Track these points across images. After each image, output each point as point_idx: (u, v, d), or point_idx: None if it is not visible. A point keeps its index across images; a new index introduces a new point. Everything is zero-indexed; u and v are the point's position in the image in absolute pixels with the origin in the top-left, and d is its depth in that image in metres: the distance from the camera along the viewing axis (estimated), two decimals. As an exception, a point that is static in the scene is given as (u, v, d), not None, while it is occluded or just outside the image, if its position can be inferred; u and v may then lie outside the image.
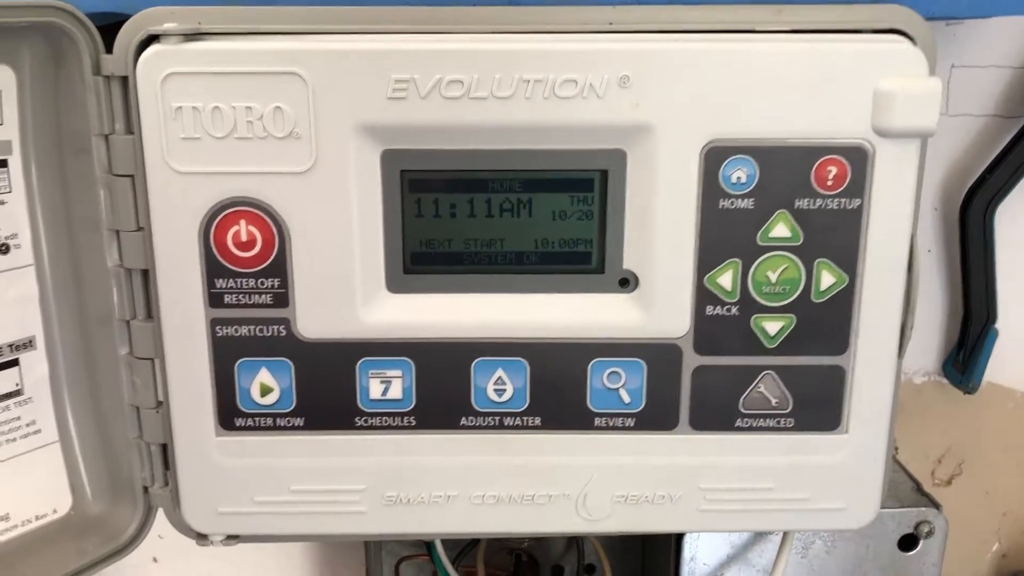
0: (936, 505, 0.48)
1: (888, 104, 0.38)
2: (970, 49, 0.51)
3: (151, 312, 0.41)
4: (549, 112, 0.38)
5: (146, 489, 0.44)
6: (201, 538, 0.43)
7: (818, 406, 0.42)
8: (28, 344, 0.42)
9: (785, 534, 0.48)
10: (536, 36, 0.38)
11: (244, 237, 0.39)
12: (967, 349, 0.53)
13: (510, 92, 0.37)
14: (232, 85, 0.37)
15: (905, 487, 0.50)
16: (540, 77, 0.37)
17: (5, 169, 0.40)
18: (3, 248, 0.41)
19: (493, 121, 0.38)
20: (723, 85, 0.38)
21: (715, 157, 0.38)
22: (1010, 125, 0.51)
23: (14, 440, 0.42)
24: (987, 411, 0.57)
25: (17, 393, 0.42)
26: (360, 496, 0.42)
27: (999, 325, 0.52)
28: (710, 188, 0.39)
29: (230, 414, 0.41)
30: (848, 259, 0.40)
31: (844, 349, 0.41)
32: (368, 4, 0.39)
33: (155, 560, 0.56)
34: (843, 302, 0.40)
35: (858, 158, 0.38)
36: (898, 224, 0.39)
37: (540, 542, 0.56)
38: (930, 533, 0.48)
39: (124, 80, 0.38)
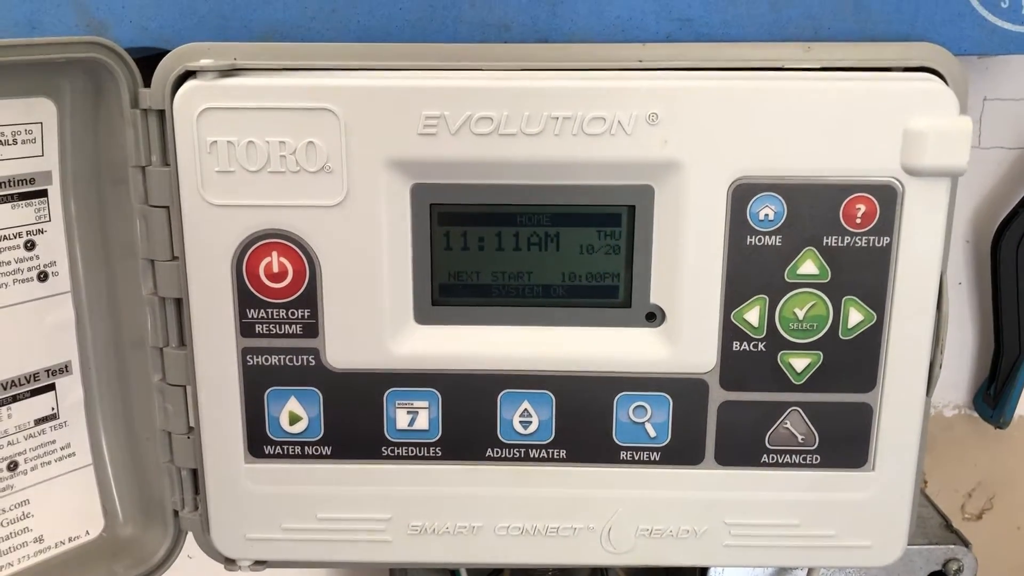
0: (965, 543, 0.48)
1: (918, 143, 0.37)
2: (1003, 82, 0.50)
3: (184, 340, 0.42)
4: (578, 148, 0.38)
5: (176, 513, 0.44)
6: (229, 563, 0.44)
7: (845, 443, 0.41)
8: (64, 369, 0.43)
9: (810, 570, 0.47)
10: (565, 73, 0.38)
11: (276, 268, 0.40)
12: (998, 384, 0.52)
13: (539, 129, 0.38)
14: (266, 120, 0.38)
15: (934, 523, 0.50)
16: (569, 114, 0.38)
17: (45, 199, 0.41)
18: (42, 275, 0.42)
19: (522, 157, 0.38)
20: (751, 122, 0.38)
21: (743, 194, 0.38)
22: (1044, 158, 0.51)
23: (49, 463, 0.43)
24: (1019, 446, 0.56)
25: (53, 417, 0.43)
26: (386, 525, 0.43)
27: (1031, 360, 0.52)
28: (737, 224, 0.39)
29: (259, 442, 0.42)
30: (876, 297, 0.40)
31: (872, 387, 0.41)
32: (400, 41, 0.39)
33: (184, 580, 0.57)
34: (871, 340, 0.40)
35: (887, 196, 0.38)
36: (927, 262, 0.39)
37: (565, 569, 0.56)
38: (959, 571, 0.47)
39: (161, 114, 0.39)
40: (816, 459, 0.42)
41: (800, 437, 0.41)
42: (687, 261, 0.39)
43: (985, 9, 0.39)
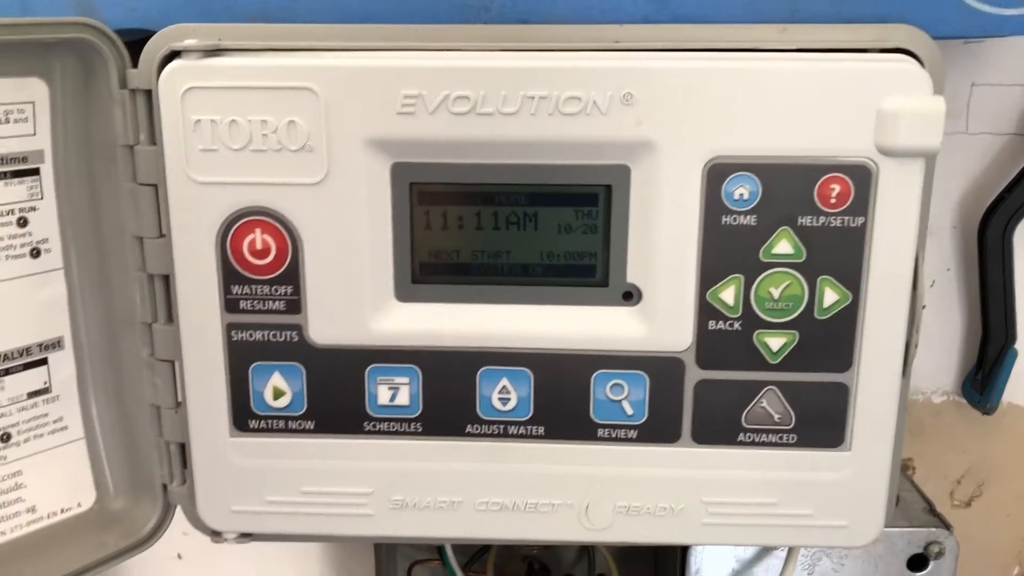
0: (947, 526, 0.48)
1: (891, 123, 0.38)
2: (992, 67, 0.50)
3: (172, 316, 0.42)
4: (554, 128, 0.39)
5: (165, 487, 0.45)
6: (215, 535, 0.45)
7: (821, 423, 0.42)
8: (56, 344, 0.44)
9: (790, 550, 0.48)
10: (541, 53, 0.39)
11: (259, 245, 0.40)
12: (985, 370, 0.52)
13: (515, 108, 0.38)
14: (249, 99, 0.39)
15: (917, 507, 0.50)
16: (544, 94, 0.38)
17: (37, 177, 0.42)
18: (35, 252, 0.43)
19: (499, 136, 0.39)
20: (725, 103, 0.38)
21: (717, 174, 0.39)
22: (1032, 144, 0.51)
23: (41, 436, 0.44)
24: (1009, 433, 0.56)
25: (45, 391, 0.44)
26: (368, 499, 0.43)
27: (1018, 346, 0.52)
28: (712, 204, 0.39)
29: (244, 416, 0.43)
30: (851, 277, 0.40)
31: (847, 366, 0.41)
32: (382, 21, 0.40)
33: (180, 557, 0.58)
34: (846, 319, 0.40)
35: (861, 176, 0.39)
36: (902, 242, 0.39)
37: (552, 550, 0.57)
38: (940, 554, 0.47)
39: (148, 93, 0.40)
40: (792, 438, 0.42)
41: (776, 416, 0.42)
42: (663, 240, 0.40)
43: (963, -9, 0.40)
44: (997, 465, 0.57)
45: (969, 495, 0.58)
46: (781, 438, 0.42)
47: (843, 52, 0.39)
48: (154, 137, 0.40)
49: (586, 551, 0.55)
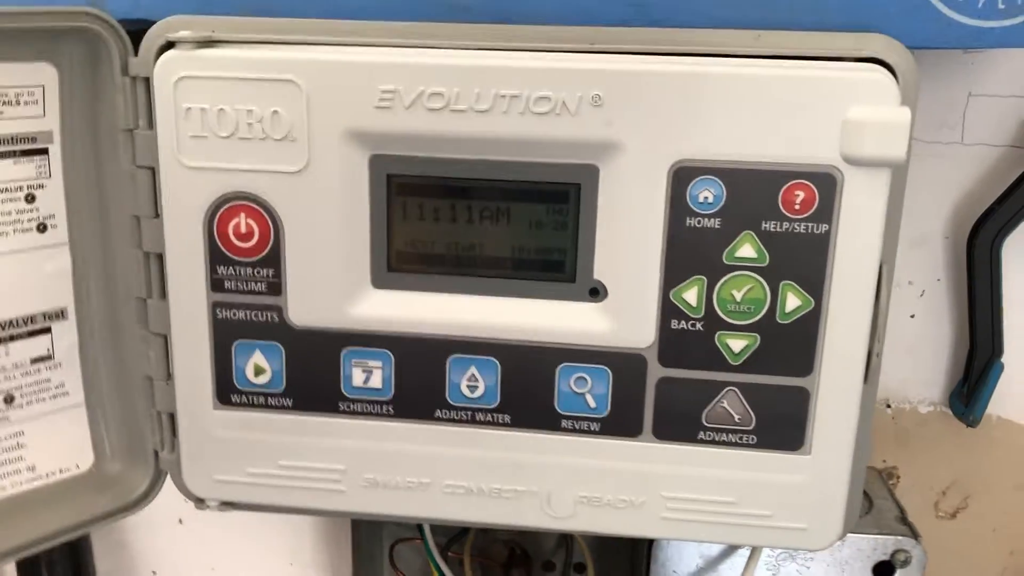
0: (915, 535, 0.48)
1: (856, 132, 0.38)
2: (990, 78, 0.50)
3: (165, 292, 0.45)
4: (525, 127, 0.40)
5: (156, 454, 0.48)
6: (199, 502, 0.47)
7: (781, 425, 0.42)
8: (60, 315, 0.47)
9: (753, 549, 0.48)
10: (514, 53, 0.40)
11: (243, 229, 0.43)
12: (971, 382, 0.52)
13: (488, 106, 0.40)
14: (236, 89, 0.41)
15: (890, 515, 0.50)
16: (516, 93, 0.39)
17: (46, 156, 0.45)
18: (41, 227, 0.45)
19: (473, 133, 0.40)
20: (692, 106, 0.39)
21: (683, 176, 0.40)
22: (1026, 156, 0.51)
23: (43, 400, 0.47)
24: (996, 446, 0.56)
25: (48, 358, 0.47)
26: (341, 476, 0.45)
27: (1005, 359, 0.51)
28: (677, 206, 0.40)
29: (227, 390, 0.45)
30: (814, 283, 0.40)
31: (808, 371, 0.41)
32: (367, 18, 0.42)
33: (180, 521, 0.61)
34: (808, 325, 0.41)
35: (826, 184, 0.39)
36: (866, 251, 0.40)
37: (532, 537, 0.58)
38: (906, 562, 0.47)
39: (147, 81, 0.42)
40: (752, 439, 0.43)
41: (737, 417, 0.42)
42: (628, 240, 0.41)
43: (941, 2, 0.40)
44: (984, 479, 0.57)
45: (955, 507, 0.57)
46: (741, 438, 0.43)
47: (818, 60, 0.39)
48: (152, 122, 0.43)
49: (564, 540, 0.57)
